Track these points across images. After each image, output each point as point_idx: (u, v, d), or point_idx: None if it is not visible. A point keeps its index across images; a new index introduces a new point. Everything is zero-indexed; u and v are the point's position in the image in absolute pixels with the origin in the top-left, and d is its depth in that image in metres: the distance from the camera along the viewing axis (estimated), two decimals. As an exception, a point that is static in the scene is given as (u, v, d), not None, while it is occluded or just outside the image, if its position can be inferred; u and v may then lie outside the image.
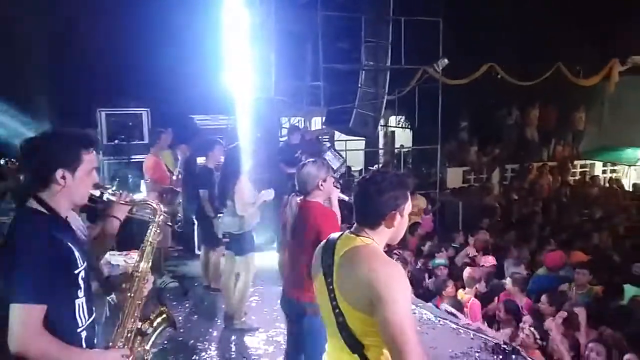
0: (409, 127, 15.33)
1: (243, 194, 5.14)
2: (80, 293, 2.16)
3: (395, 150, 15.32)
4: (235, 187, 5.17)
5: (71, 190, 2.16)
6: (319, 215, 3.42)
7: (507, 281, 6.28)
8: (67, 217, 2.23)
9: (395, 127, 15.69)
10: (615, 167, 15.72)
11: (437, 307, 6.17)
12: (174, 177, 7.30)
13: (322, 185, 3.50)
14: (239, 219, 5.26)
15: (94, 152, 2.24)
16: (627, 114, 15.67)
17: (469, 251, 7.83)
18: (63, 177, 2.13)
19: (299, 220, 3.58)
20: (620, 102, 15.57)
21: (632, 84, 14.84)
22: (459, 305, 5.96)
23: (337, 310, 2.07)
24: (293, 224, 3.71)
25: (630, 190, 13.72)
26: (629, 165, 15.24)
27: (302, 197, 3.65)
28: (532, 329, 4.99)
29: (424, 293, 6.81)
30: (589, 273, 6.22)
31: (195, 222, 7.44)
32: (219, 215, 5.79)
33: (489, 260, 7.28)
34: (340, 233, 2.23)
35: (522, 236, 8.70)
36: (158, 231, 2.57)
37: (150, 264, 2.52)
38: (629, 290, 5.99)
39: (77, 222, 2.77)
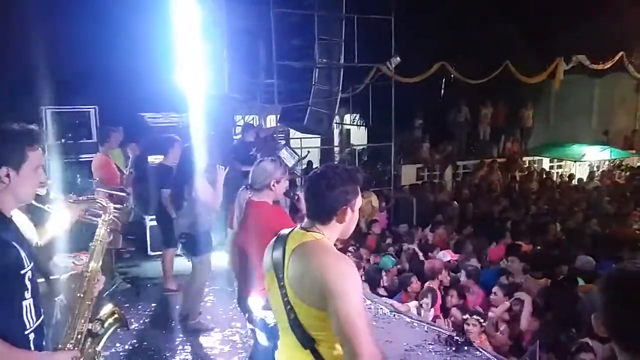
0: (364, 124, 15.47)
1: (206, 193, 5.05)
2: (28, 294, 2.08)
3: (351, 148, 15.42)
4: (194, 186, 5.08)
5: (16, 188, 2.09)
6: (268, 214, 3.40)
7: (462, 274, 6.44)
8: (12, 216, 2.15)
9: (350, 124, 15.79)
10: (561, 163, 16.29)
11: (402, 302, 6.22)
12: (124, 176, 7.12)
13: (274, 186, 3.48)
14: (194, 219, 5.17)
15: (39, 148, 2.16)
16: (572, 111, 16.30)
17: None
18: (7, 176, 2.05)
19: (248, 219, 3.54)
20: (566, 99, 16.16)
21: (577, 82, 15.42)
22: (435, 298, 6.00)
23: (288, 307, 2.07)
24: (241, 221, 3.66)
25: (575, 184, 14.25)
26: (574, 161, 15.81)
27: (251, 194, 3.62)
28: (477, 317, 5.12)
29: (386, 288, 6.87)
30: (519, 260, 6.54)
31: (150, 222, 7.30)
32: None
33: (449, 255, 7.42)
34: (291, 229, 2.22)
35: (478, 231, 8.93)
36: (108, 230, 2.52)
37: (100, 263, 2.46)
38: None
39: (24, 222, 2.67)
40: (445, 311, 5.97)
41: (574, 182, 14.50)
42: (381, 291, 6.76)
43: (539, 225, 9.13)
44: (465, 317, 5.20)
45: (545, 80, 14.63)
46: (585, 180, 14.60)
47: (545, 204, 11.30)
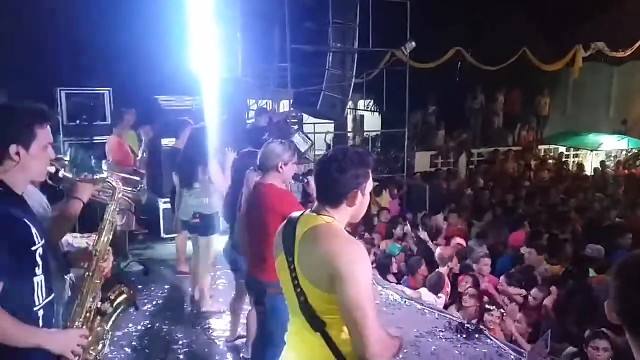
0: (378, 110, 15.37)
1: (217, 175, 5.07)
2: (38, 270, 2.09)
3: (364, 134, 15.34)
4: (205, 169, 5.10)
5: (26, 166, 2.10)
6: (275, 197, 3.39)
7: (471, 261, 6.42)
8: (23, 193, 2.17)
9: (364, 110, 15.70)
10: (577, 152, 16.09)
11: (409, 286, 6.24)
12: (138, 159, 7.15)
13: (281, 167, 3.47)
14: (203, 201, 5.20)
15: (48, 126, 2.17)
16: (590, 100, 16.06)
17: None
18: (17, 153, 2.06)
19: (255, 201, 3.54)
20: (583, 87, 15.92)
21: (596, 69, 15.17)
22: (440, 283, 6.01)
23: (298, 289, 2.06)
24: (249, 202, 3.66)
25: (592, 174, 14.08)
26: (591, 150, 15.61)
27: (259, 176, 3.61)
28: (495, 308, 5.10)
29: (395, 274, 6.87)
30: (536, 252, 6.44)
31: (163, 205, 7.35)
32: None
33: (457, 241, 7.41)
34: (301, 212, 2.21)
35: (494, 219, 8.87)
36: (117, 210, 2.54)
37: (109, 241, 2.48)
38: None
39: (38, 198, 2.69)
40: (453, 298, 5.96)
41: (590, 171, 14.32)
42: (390, 277, 6.78)
43: (557, 215, 9.01)
44: (488, 307, 5.16)
45: (563, 67, 14.41)
46: (600, 169, 14.41)
47: (562, 193, 11.14)
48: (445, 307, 5.72)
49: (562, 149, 16.08)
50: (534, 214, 9.21)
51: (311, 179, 3.38)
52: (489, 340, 4.76)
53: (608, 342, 4.09)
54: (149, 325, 5.15)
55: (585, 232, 8.14)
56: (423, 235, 7.72)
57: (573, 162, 15.82)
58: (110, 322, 2.43)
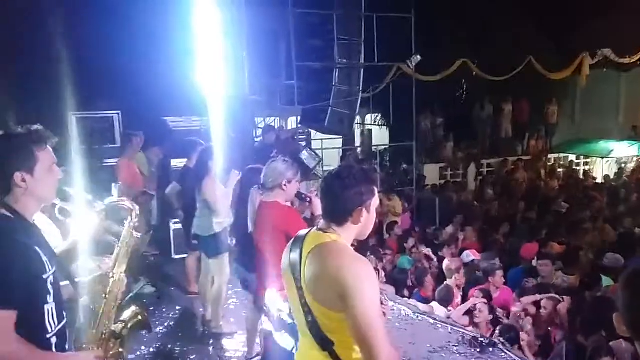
0: (385, 124, 15.38)
1: (214, 194, 5.05)
2: (50, 298, 2.09)
3: (373, 148, 15.34)
4: (204, 187, 5.08)
5: (34, 191, 2.11)
6: (279, 215, 3.41)
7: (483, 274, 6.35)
8: (34, 220, 2.18)
9: (372, 124, 15.72)
10: (587, 160, 15.97)
11: (421, 297, 6.19)
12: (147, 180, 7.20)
13: (285, 185, 3.48)
14: (208, 221, 5.17)
15: (49, 147, 2.17)
16: (598, 107, 15.95)
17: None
18: (23, 180, 2.07)
19: (260, 220, 3.54)
20: (591, 94, 15.83)
21: (603, 76, 15.10)
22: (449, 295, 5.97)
23: (306, 308, 2.06)
24: (255, 222, 3.67)
25: (603, 182, 13.94)
26: (602, 158, 15.49)
27: (263, 193, 3.62)
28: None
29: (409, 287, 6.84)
30: (551, 264, 6.35)
31: (174, 225, 7.37)
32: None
33: (472, 255, 7.34)
34: (307, 230, 2.21)
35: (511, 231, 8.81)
36: (133, 232, 2.54)
37: (125, 265, 2.49)
38: (605, 280, 6.10)
39: (47, 226, 2.70)
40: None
41: (601, 179, 14.20)
42: (406, 292, 6.74)
43: (570, 225, 8.92)
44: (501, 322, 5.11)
45: (570, 75, 14.35)
46: (612, 177, 14.27)
47: (573, 202, 11.03)
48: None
49: (572, 157, 15.98)
50: (547, 224, 9.12)
51: (314, 198, 3.39)
52: (503, 354, 4.69)
53: (611, 358, 3.99)
54: (161, 347, 5.13)
55: (602, 241, 8.05)
56: (426, 251, 7.70)
57: (583, 170, 15.70)
58: (125, 345, 2.43)
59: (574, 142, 16.20)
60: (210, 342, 5.26)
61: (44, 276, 2.07)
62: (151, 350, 5.05)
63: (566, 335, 4.86)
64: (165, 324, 5.71)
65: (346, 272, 1.94)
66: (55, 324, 2.13)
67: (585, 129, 16.23)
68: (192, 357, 4.99)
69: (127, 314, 2.48)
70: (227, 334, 5.35)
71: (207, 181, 5.05)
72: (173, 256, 7.59)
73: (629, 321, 1.35)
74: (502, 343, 4.81)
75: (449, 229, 9.09)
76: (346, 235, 2.11)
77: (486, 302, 5.49)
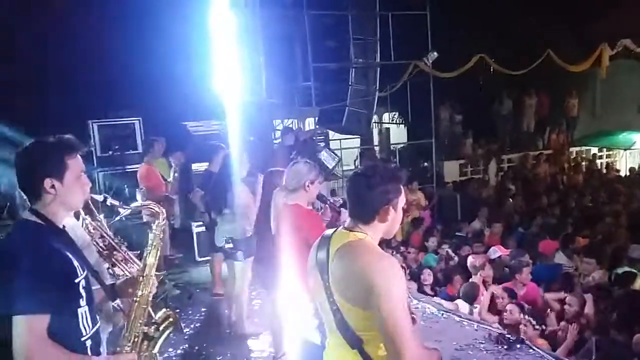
0: (403, 122, 15.32)
1: (246, 199, 5.12)
2: (83, 302, 2.14)
3: (391, 147, 15.29)
4: (236, 193, 5.15)
5: (64, 197, 2.15)
6: (301, 218, 3.43)
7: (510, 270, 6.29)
8: (64, 226, 2.22)
9: (390, 123, 15.66)
10: (610, 152, 15.72)
11: (448, 295, 6.16)
12: (169, 184, 7.28)
13: (308, 187, 3.52)
14: (241, 224, 5.22)
15: (78, 155, 2.22)
16: (620, 98, 15.68)
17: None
18: (52, 187, 2.11)
19: (282, 223, 3.57)
20: (612, 86, 15.58)
21: (624, 67, 14.85)
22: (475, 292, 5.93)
23: (334, 307, 2.06)
24: (277, 224, 3.70)
25: (628, 174, 13.73)
26: (625, 149, 15.24)
27: (285, 195, 3.65)
28: (528, 317, 4.98)
29: (431, 287, 6.81)
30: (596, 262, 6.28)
31: (196, 228, 7.43)
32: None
33: (499, 251, 7.27)
34: (334, 229, 2.21)
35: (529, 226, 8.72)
36: (161, 235, 2.57)
37: (155, 268, 2.52)
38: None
39: (77, 230, 2.76)
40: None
41: (625, 171, 13.96)
42: (427, 289, 6.71)
43: (593, 218, 8.80)
44: (520, 316, 5.05)
45: (589, 67, 14.15)
46: (637, 169, 14.04)
47: (597, 196, 10.88)
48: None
49: (594, 150, 15.75)
50: (573, 217, 9.01)
51: (335, 200, 3.41)
52: (531, 350, 4.64)
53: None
54: (188, 349, 5.18)
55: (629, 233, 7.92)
56: (447, 249, 7.66)
57: (606, 162, 15.47)
58: (157, 346, 2.46)
59: (595, 134, 15.95)
60: (237, 343, 5.29)
61: (76, 280, 2.10)
62: (178, 352, 5.10)
63: (596, 331, 4.80)
64: (192, 326, 5.76)
65: (373, 270, 1.94)
66: (89, 327, 2.17)
67: (607, 121, 15.97)
68: (219, 358, 5.02)
69: (158, 316, 2.52)
70: (253, 335, 5.38)
71: (238, 187, 5.11)
72: (197, 259, 7.67)
73: None
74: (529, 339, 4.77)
75: (475, 224, 9.01)
76: (373, 233, 2.11)
77: (516, 303, 5.42)
